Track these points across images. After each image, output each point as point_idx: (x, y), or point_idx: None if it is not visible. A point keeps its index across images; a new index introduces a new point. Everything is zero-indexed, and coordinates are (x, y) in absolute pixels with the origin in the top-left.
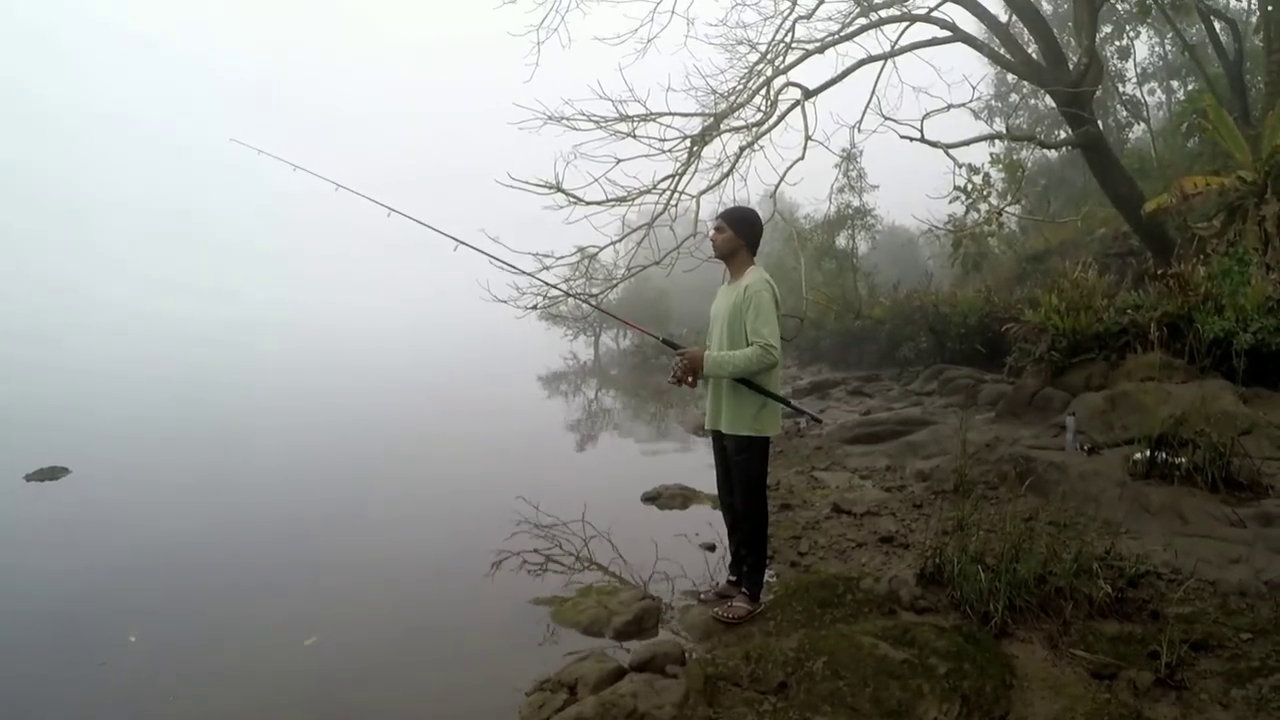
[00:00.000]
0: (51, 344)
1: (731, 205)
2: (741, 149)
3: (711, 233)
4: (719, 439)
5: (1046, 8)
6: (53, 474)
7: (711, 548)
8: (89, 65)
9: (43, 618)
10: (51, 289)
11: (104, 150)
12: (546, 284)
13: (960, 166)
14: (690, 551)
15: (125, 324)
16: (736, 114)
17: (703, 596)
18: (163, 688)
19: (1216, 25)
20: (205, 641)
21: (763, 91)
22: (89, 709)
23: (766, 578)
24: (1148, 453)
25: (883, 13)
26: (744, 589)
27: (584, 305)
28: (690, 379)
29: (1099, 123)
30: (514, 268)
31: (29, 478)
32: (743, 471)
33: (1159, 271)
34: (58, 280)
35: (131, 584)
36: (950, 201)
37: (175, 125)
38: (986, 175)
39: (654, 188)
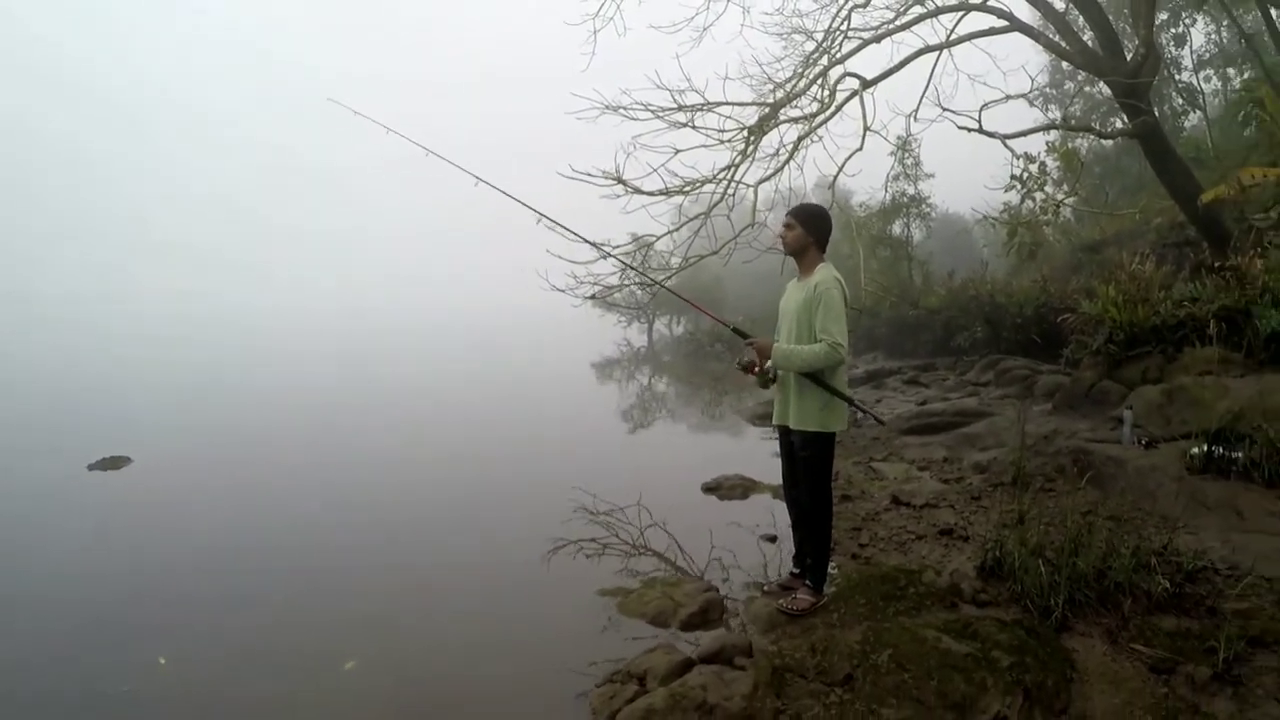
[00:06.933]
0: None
1: (801, 202)
2: (799, 139)
3: (781, 229)
4: (786, 434)
5: None
6: (115, 463)
7: (773, 539)
8: None
9: (75, 625)
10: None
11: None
12: (625, 264)
13: (1018, 157)
14: (752, 543)
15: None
16: (794, 103)
17: (766, 588)
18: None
19: (1274, 13)
20: (242, 662)
21: (819, 81)
22: None
23: (829, 570)
24: (1205, 447)
25: (939, 1)
26: (807, 581)
27: (638, 292)
28: (756, 369)
29: (1155, 111)
30: (593, 244)
31: (92, 467)
32: (809, 466)
33: (1216, 264)
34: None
35: (175, 588)
36: (1006, 190)
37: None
38: (1043, 164)
39: (713, 178)
